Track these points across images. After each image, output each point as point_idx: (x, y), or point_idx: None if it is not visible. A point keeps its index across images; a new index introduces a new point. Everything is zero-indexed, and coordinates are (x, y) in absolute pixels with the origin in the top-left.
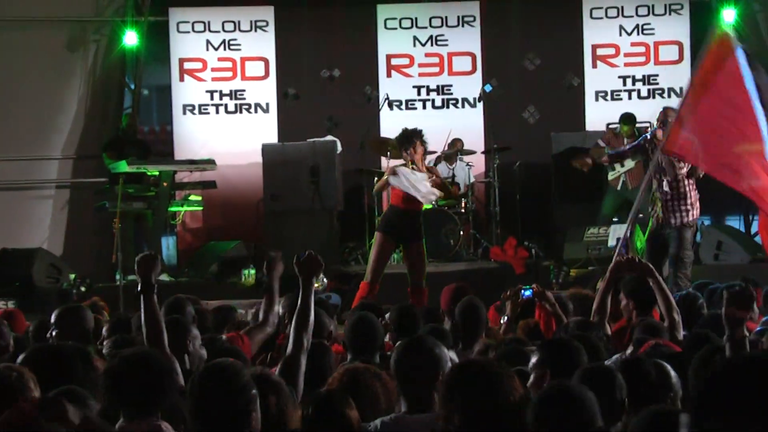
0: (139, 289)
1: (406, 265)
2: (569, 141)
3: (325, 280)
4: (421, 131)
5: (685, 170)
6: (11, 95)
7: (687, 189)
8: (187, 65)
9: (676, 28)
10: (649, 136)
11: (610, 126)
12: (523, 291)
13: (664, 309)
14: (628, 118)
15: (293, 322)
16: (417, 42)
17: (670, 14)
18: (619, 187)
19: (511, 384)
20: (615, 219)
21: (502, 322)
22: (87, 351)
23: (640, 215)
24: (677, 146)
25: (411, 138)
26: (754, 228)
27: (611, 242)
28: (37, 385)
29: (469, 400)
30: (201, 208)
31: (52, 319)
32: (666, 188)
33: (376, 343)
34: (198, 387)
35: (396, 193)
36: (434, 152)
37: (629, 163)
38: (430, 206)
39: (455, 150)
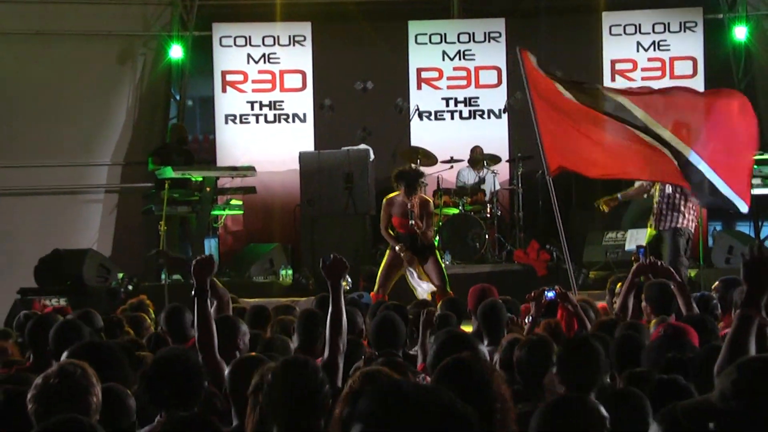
0: (193, 292)
1: (427, 278)
2: None
3: (349, 279)
4: (422, 174)
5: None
6: (65, 105)
7: (679, 198)
8: (229, 77)
9: (691, 45)
10: None
11: None
12: (546, 292)
13: (685, 309)
14: None
15: (327, 327)
16: (446, 56)
17: (684, 31)
18: (645, 196)
19: (497, 383)
20: (635, 224)
21: (526, 321)
22: (131, 348)
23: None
24: (558, 165)
25: (416, 183)
26: (764, 233)
27: (629, 246)
28: (98, 380)
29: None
30: (241, 212)
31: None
32: (669, 191)
33: (399, 340)
34: (277, 382)
35: (395, 222)
36: (461, 160)
37: None
38: (457, 211)
39: (480, 158)
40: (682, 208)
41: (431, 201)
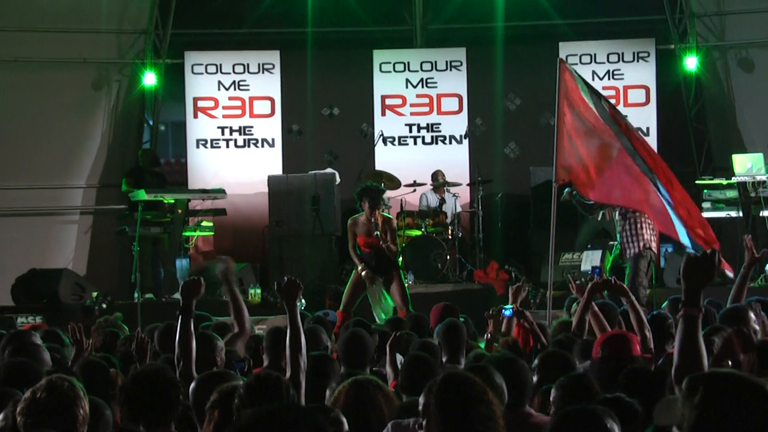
0: (178, 311)
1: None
2: (547, 175)
3: (303, 300)
4: (383, 191)
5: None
6: (41, 129)
7: (640, 223)
8: (200, 103)
9: (644, 74)
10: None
11: None
12: (504, 310)
13: (636, 326)
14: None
15: (287, 346)
16: (409, 84)
17: (638, 61)
18: (599, 218)
19: (488, 397)
20: (589, 246)
21: (485, 338)
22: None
23: (611, 242)
24: (564, 178)
25: (379, 198)
26: None
27: (584, 266)
28: (86, 394)
29: (449, 411)
30: (212, 233)
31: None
32: (620, 222)
33: (366, 357)
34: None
35: (360, 242)
36: (423, 184)
37: None
38: (419, 232)
39: (442, 183)
40: (641, 231)
41: (393, 218)
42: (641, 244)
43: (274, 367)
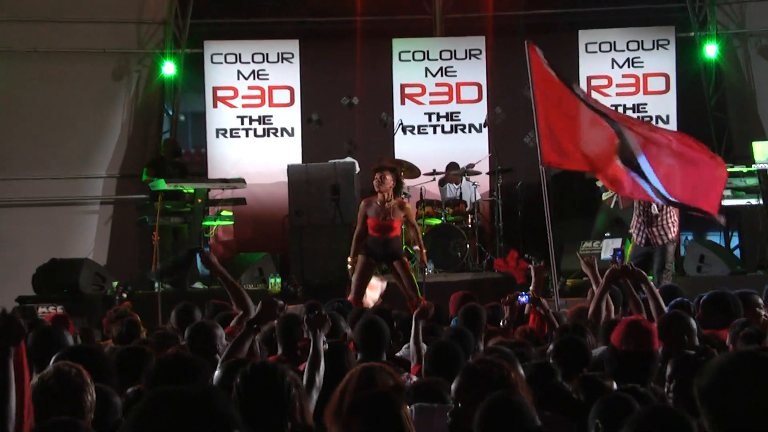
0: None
1: (396, 283)
2: None
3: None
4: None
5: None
6: (62, 120)
7: (667, 212)
8: (220, 93)
9: (663, 62)
10: None
11: None
12: (519, 297)
13: (655, 313)
14: None
15: (307, 363)
16: (428, 73)
17: (657, 49)
18: (612, 206)
19: (516, 379)
20: (607, 234)
21: (502, 324)
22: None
23: (630, 230)
24: (552, 157)
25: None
26: (734, 242)
27: (604, 255)
28: (92, 381)
29: (482, 396)
30: (232, 223)
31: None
32: (654, 211)
33: (383, 344)
34: (245, 386)
35: (370, 224)
36: (442, 173)
37: None
38: (439, 221)
39: (462, 171)
40: (672, 220)
41: (405, 203)
42: (673, 233)
43: (288, 356)
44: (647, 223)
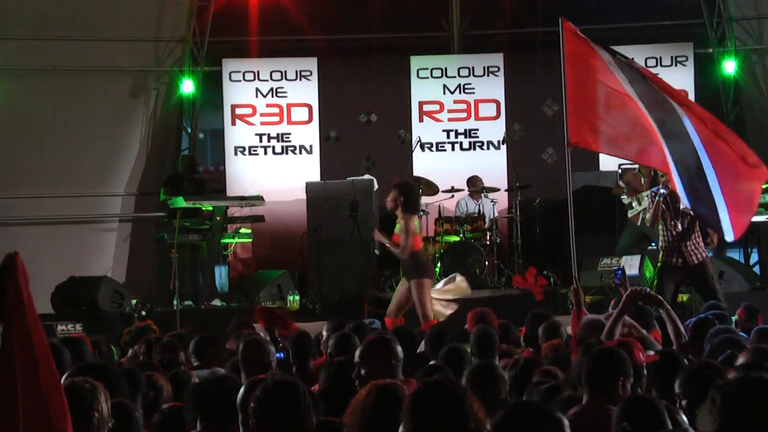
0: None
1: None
2: (585, 180)
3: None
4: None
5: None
6: (81, 137)
7: (698, 228)
8: (238, 111)
9: (682, 78)
10: (664, 191)
11: (623, 166)
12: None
13: (673, 335)
14: None
15: None
16: (446, 90)
17: (676, 65)
18: (639, 223)
19: (472, 406)
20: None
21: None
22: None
23: (650, 246)
24: (578, 138)
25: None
26: (753, 259)
27: (628, 271)
28: (108, 398)
29: (432, 421)
30: (250, 240)
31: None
32: (679, 228)
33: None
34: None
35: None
36: (461, 190)
37: (645, 201)
38: (458, 238)
39: (480, 188)
40: (699, 238)
41: (407, 219)
42: (702, 254)
43: (302, 372)
44: (679, 241)
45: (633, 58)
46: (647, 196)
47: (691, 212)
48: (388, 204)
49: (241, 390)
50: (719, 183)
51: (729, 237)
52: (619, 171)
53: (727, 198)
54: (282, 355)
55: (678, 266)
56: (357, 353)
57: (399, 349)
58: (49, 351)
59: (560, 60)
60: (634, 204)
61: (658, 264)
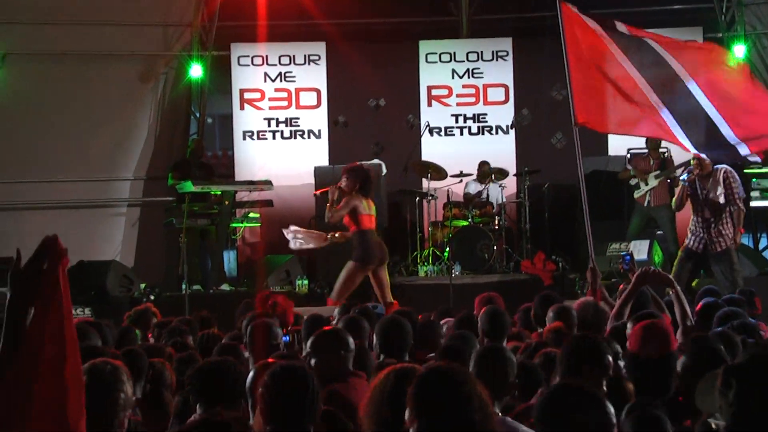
0: None
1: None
2: (593, 165)
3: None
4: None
5: (722, 199)
6: (89, 122)
7: (726, 216)
8: (246, 95)
9: None
10: (687, 176)
11: (632, 151)
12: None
13: (680, 317)
14: (654, 142)
15: None
16: (455, 74)
17: None
18: (645, 204)
19: (476, 389)
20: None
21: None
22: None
23: (659, 232)
24: (585, 118)
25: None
26: (763, 243)
27: (637, 256)
28: (131, 378)
29: (435, 406)
30: (259, 225)
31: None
32: (706, 215)
33: (405, 345)
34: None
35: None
36: (470, 174)
37: (653, 182)
38: (466, 223)
39: (488, 172)
40: (727, 226)
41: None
42: (732, 239)
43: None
44: (705, 228)
45: (642, 28)
46: (654, 176)
47: (720, 200)
48: (344, 189)
49: (250, 374)
50: (713, 106)
51: (744, 151)
52: (628, 155)
53: (724, 115)
54: (288, 338)
55: (699, 252)
56: (308, 343)
57: (350, 340)
58: (77, 344)
59: (558, 14)
60: (641, 185)
61: (680, 248)
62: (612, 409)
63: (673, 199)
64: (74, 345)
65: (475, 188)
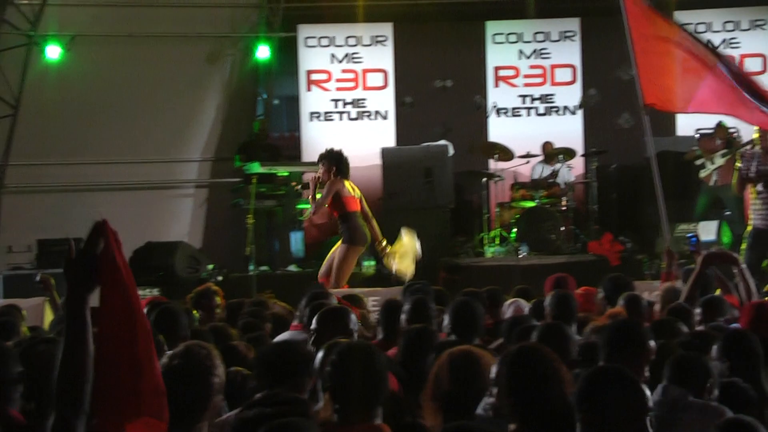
0: None
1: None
2: (661, 145)
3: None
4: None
5: None
6: (157, 104)
7: None
8: (313, 76)
9: (760, 42)
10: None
11: (700, 131)
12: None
13: (745, 295)
14: (722, 123)
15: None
16: (522, 55)
17: (754, 29)
18: (711, 184)
19: (560, 368)
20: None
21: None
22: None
23: (727, 213)
24: (654, 99)
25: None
26: None
27: (703, 237)
28: (223, 361)
29: (524, 385)
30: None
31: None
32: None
33: (477, 327)
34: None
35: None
36: (537, 155)
37: (719, 161)
38: (533, 204)
39: (553, 152)
40: None
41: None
42: None
43: (388, 341)
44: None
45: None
46: (721, 155)
47: None
48: (321, 178)
49: (320, 353)
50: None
51: None
52: (697, 136)
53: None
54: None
55: (764, 229)
56: (314, 321)
57: (354, 318)
58: (147, 320)
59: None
60: (707, 164)
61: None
62: (648, 393)
63: (733, 183)
64: (143, 322)
65: (542, 169)
